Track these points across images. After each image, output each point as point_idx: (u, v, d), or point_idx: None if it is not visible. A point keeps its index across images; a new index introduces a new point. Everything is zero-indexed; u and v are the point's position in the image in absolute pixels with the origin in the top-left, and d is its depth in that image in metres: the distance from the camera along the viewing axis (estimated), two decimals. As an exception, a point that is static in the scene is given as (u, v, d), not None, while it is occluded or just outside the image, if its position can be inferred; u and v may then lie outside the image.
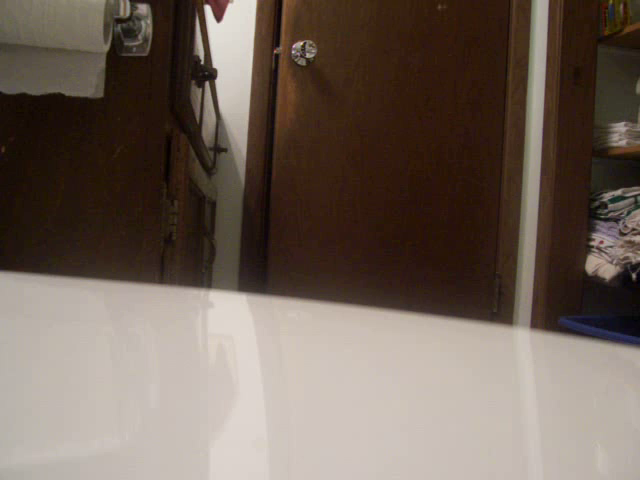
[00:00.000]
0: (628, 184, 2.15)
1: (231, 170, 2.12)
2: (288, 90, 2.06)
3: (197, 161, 1.15)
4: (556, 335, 0.38)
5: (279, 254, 2.08)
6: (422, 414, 0.21)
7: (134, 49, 0.81)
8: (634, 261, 1.89)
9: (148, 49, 0.81)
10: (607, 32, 2.19)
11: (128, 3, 0.78)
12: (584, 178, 2.17)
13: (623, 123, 2.14)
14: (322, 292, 2.08)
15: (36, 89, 0.79)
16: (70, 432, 0.17)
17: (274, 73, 2.12)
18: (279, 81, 2.06)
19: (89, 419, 0.18)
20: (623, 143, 2.13)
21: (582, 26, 2.16)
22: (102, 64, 0.80)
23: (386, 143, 2.15)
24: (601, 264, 2.06)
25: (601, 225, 2.14)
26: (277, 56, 2.09)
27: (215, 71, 1.05)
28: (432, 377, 0.27)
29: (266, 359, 0.29)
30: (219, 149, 1.93)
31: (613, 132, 2.17)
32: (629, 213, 2.02)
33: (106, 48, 0.77)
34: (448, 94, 2.19)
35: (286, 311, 0.44)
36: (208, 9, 1.24)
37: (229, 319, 0.41)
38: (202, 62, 1.09)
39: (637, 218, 1.95)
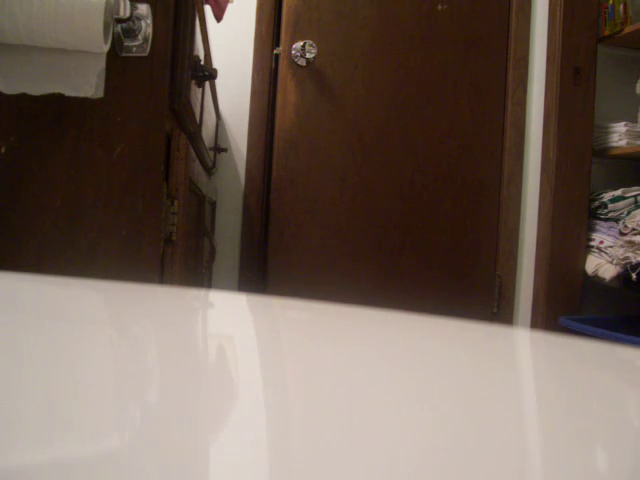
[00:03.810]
0: (628, 184, 2.15)
1: (231, 170, 2.12)
2: (288, 90, 2.06)
3: (197, 161, 1.15)
4: (556, 335, 0.38)
5: (279, 254, 2.08)
6: (422, 414, 0.21)
7: (134, 49, 0.81)
8: (634, 261, 1.89)
9: (148, 49, 0.81)
10: (607, 32, 2.19)
11: (128, 3, 0.78)
12: (584, 178, 2.17)
13: (623, 123, 2.14)
14: (322, 292, 2.08)
15: (36, 89, 0.79)
16: (70, 432, 0.17)
17: (274, 73, 2.11)
18: (279, 81, 2.06)
19: (89, 419, 0.18)
20: (623, 143, 2.13)
21: (582, 26, 2.16)
22: (102, 64, 0.80)
23: (386, 143, 2.15)
24: (601, 264, 2.06)
25: (601, 225, 2.14)
26: (277, 56, 2.09)
27: (215, 71, 1.05)
28: (432, 377, 0.27)
29: (266, 359, 0.29)
30: (219, 149, 1.93)
31: (613, 132, 2.17)
32: (629, 213, 2.02)
33: (106, 48, 0.77)
34: (448, 94, 2.19)
35: (286, 311, 0.44)
36: (208, 9, 1.23)
37: (229, 319, 0.41)
38: (202, 62, 1.09)
39: (637, 218, 1.95)
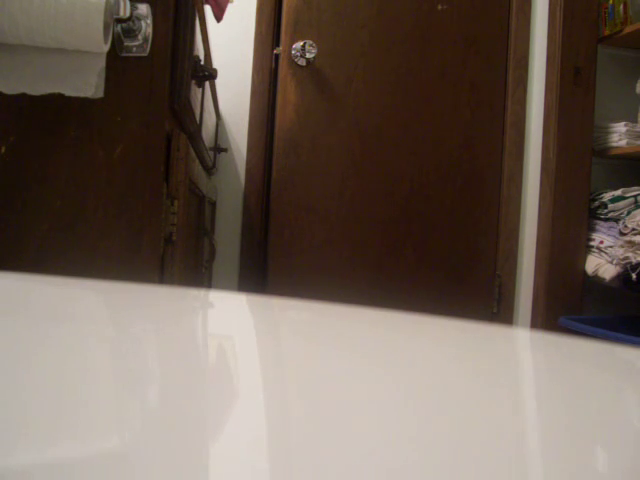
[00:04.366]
0: (628, 184, 2.15)
1: (231, 170, 2.11)
2: (288, 90, 2.06)
3: (197, 161, 1.15)
4: (556, 335, 0.38)
5: (279, 254, 2.07)
6: (422, 415, 0.21)
7: (134, 49, 0.81)
8: (634, 261, 1.89)
9: (148, 49, 0.81)
10: (607, 32, 2.19)
11: (128, 3, 0.78)
12: (584, 178, 2.17)
13: (623, 123, 2.14)
14: (322, 292, 2.08)
15: (36, 89, 0.79)
16: (70, 432, 0.17)
17: (274, 73, 2.11)
18: (279, 81, 2.06)
19: (89, 419, 0.18)
20: (623, 143, 2.13)
21: (582, 26, 2.16)
22: (102, 64, 0.80)
23: (386, 143, 2.15)
24: (601, 264, 2.06)
25: (601, 225, 2.14)
26: (277, 56, 2.09)
27: (215, 71, 1.05)
28: (432, 377, 0.27)
29: (266, 359, 0.29)
30: (219, 149, 1.93)
31: (613, 132, 2.16)
32: (629, 213, 2.02)
33: (106, 48, 0.77)
34: (448, 94, 2.19)
35: (286, 311, 0.44)
36: (208, 9, 1.23)
37: (229, 319, 0.41)
38: (202, 62, 1.09)
39: (637, 218, 1.95)
